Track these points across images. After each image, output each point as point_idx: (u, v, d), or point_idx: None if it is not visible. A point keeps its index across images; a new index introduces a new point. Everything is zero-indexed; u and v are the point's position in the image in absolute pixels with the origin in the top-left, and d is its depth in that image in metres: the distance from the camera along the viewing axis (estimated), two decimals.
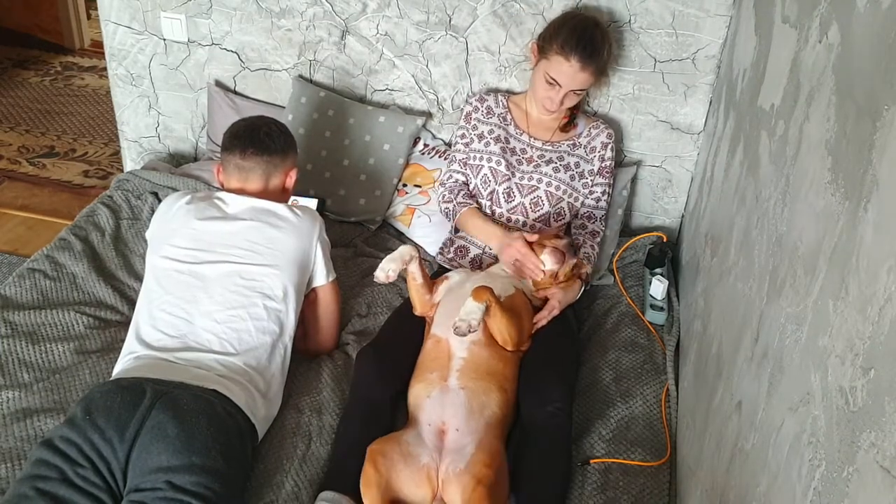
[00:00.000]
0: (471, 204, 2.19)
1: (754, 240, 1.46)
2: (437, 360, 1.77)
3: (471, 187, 2.25)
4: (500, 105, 2.28)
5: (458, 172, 2.26)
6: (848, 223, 0.97)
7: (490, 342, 1.79)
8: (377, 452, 1.58)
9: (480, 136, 2.24)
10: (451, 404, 1.67)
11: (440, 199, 2.27)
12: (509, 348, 1.79)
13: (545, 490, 1.62)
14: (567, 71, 2.04)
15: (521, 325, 1.83)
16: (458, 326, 1.66)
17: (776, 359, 1.19)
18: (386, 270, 1.81)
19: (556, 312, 1.92)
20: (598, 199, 2.22)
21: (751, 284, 1.43)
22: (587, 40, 2.03)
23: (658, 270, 2.30)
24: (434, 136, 2.57)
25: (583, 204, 2.22)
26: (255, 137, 1.85)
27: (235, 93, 2.64)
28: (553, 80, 2.07)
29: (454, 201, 2.21)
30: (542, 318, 1.91)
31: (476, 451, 1.58)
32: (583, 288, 2.08)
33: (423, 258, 2.34)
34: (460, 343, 1.77)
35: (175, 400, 1.49)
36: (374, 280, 1.83)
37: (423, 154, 2.52)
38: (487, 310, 1.71)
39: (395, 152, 2.45)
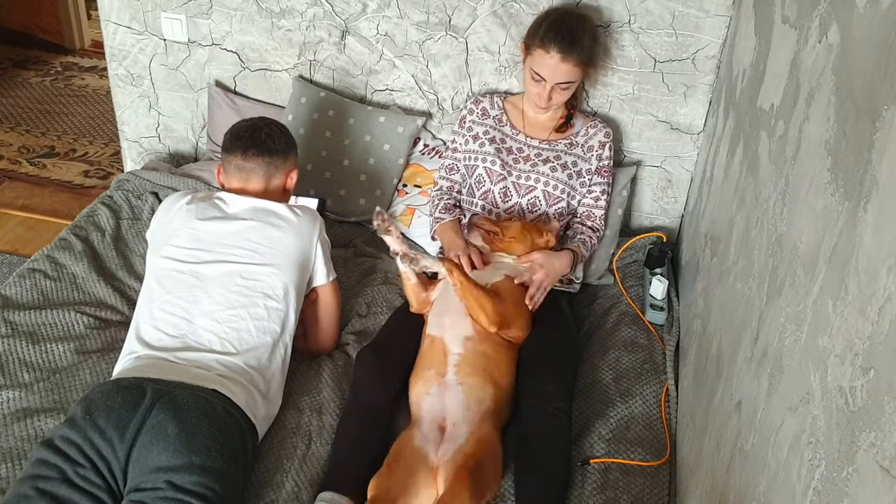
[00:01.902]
0: (444, 219, 2.22)
1: (754, 240, 1.46)
2: (434, 358, 1.79)
3: (464, 188, 2.26)
4: (496, 106, 2.28)
5: (444, 179, 2.29)
6: (847, 223, 0.97)
7: (484, 337, 1.81)
8: (395, 457, 1.61)
9: (475, 137, 2.24)
10: (451, 400, 1.70)
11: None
12: (493, 330, 1.80)
13: (546, 491, 1.62)
14: (549, 63, 2.04)
15: (503, 305, 1.84)
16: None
17: (776, 359, 1.19)
18: (383, 214, 1.85)
19: (546, 283, 1.93)
20: (596, 199, 2.22)
21: (750, 284, 1.43)
22: (565, 31, 2.03)
23: (658, 270, 2.30)
24: (434, 137, 2.57)
25: (581, 203, 2.22)
26: (256, 138, 1.85)
27: (236, 93, 2.64)
28: (538, 75, 2.08)
29: (433, 215, 2.26)
30: (534, 295, 1.91)
31: (467, 440, 1.62)
32: (578, 264, 2.11)
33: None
34: (454, 339, 1.80)
35: (175, 400, 1.49)
36: (374, 221, 1.86)
37: (423, 154, 2.52)
38: (451, 276, 1.79)
39: (396, 152, 2.45)
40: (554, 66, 2.04)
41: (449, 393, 1.71)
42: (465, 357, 1.77)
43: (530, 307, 1.92)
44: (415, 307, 1.96)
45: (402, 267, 1.91)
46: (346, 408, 1.77)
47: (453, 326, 1.82)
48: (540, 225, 2.09)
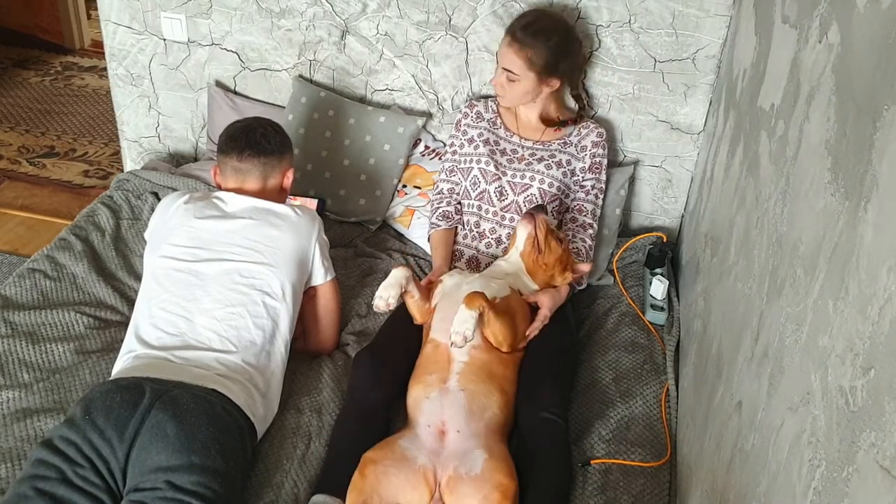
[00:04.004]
0: (439, 226, 2.22)
1: (754, 240, 1.46)
2: (437, 364, 1.76)
3: (460, 190, 2.26)
4: (490, 110, 2.29)
5: (445, 181, 2.29)
6: (848, 223, 0.97)
7: (490, 346, 1.78)
8: (368, 460, 1.58)
9: (470, 140, 2.26)
10: (451, 405, 1.67)
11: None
12: (504, 350, 1.79)
13: (546, 495, 1.61)
14: (501, 46, 2.10)
15: (516, 326, 1.82)
16: (455, 341, 1.65)
17: (776, 359, 1.19)
18: (385, 298, 1.77)
19: (546, 321, 1.90)
20: (587, 192, 2.21)
21: (751, 284, 1.43)
22: (524, 19, 2.08)
23: (658, 270, 2.30)
24: (434, 139, 2.57)
25: (574, 198, 2.22)
26: (251, 139, 1.85)
27: (235, 93, 2.64)
28: (496, 56, 2.13)
29: (431, 219, 2.25)
30: (534, 329, 1.89)
31: (490, 459, 1.57)
32: (576, 287, 2.09)
33: (423, 258, 2.35)
34: (460, 348, 1.75)
35: (174, 399, 1.49)
36: (375, 309, 1.80)
37: (423, 156, 2.52)
38: (481, 316, 1.71)
39: (396, 153, 2.45)
40: (504, 49, 2.09)
41: (449, 398, 1.68)
42: (469, 365, 1.74)
43: (530, 335, 1.89)
44: (419, 319, 1.93)
45: (405, 285, 1.84)
46: (343, 410, 1.77)
47: None
48: (573, 263, 2.02)
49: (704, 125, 2.37)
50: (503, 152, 2.23)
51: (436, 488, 1.56)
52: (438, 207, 2.26)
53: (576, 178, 2.22)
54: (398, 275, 1.82)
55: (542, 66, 2.08)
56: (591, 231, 2.19)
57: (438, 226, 2.22)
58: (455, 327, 1.66)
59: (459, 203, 2.27)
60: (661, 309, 2.17)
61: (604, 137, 2.23)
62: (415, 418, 1.70)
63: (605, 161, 2.24)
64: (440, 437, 1.64)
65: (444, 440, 1.63)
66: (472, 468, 1.55)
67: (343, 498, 1.56)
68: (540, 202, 2.17)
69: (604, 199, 2.28)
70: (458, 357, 1.75)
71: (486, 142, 2.23)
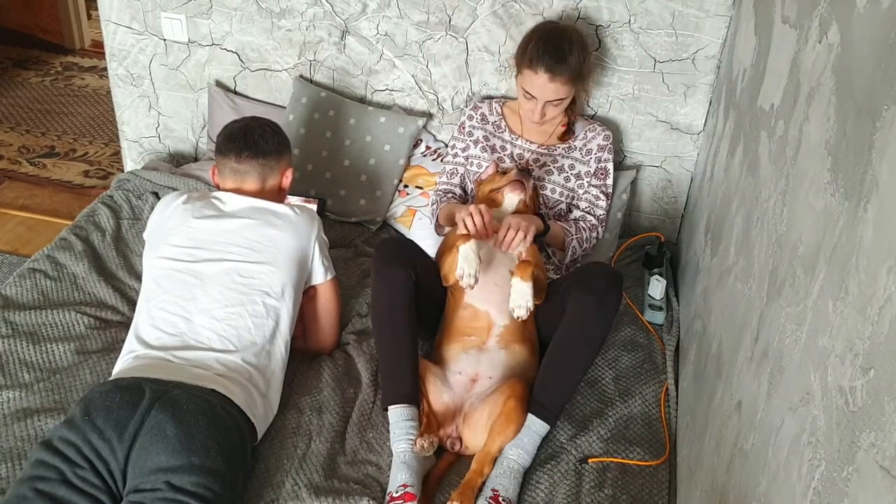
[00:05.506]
0: (449, 201, 2.21)
1: (754, 240, 1.46)
2: (476, 328, 1.84)
3: (460, 193, 2.25)
4: (495, 112, 2.28)
5: (445, 183, 2.27)
6: (848, 223, 0.97)
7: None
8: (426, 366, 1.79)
9: (476, 142, 2.25)
10: (490, 360, 1.79)
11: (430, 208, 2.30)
12: (538, 303, 1.84)
13: (566, 362, 1.74)
14: (537, 83, 2.04)
15: (546, 276, 1.93)
16: (520, 315, 1.73)
17: (776, 359, 1.19)
18: (472, 274, 1.74)
19: (520, 227, 1.85)
20: (596, 197, 2.20)
21: (750, 284, 1.43)
22: (552, 50, 2.02)
23: (656, 270, 2.30)
24: (435, 139, 2.57)
25: (578, 208, 2.21)
26: (249, 140, 1.85)
27: (236, 93, 2.64)
28: (528, 94, 2.08)
29: (437, 203, 2.23)
30: (508, 235, 1.85)
31: (502, 384, 1.75)
32: (558, 242, 2.09)
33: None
34: (501, 313, 1.83)
35: (174, 400, 1.49)
36: (465, 287, 1.76)
37: (424, 156, 2.52)
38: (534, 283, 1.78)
39: (396, 153, 2.45)
40: (542, 85, 2.04)
41: (488, 355, 1.80)
42: (508, 327, 1.83)
43: (505, 248, 1.87)
44: (451, 281, 1.88)
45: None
46: (375, 309, 1.80)
47: (503, 301, 1.83)
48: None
49: (704, 125, 2.37)
50: (509, 157, 2.23)
51: (454, 428, 1.74)
52: (442, 200, 2.23)
53: (580, 182, 2.20)
54: (471, 248, 1.77)
55: (578, 76, 2.09)
56: (595, 232, 2.18)
57: (447, 201, 2.21)
58: (517, 301, 1.74)
59: (464, 199, 2.26)
60: (660, 308, 2.17)
61: (610, 140, 2.22)
62: (447, 364, 1.82)
63: (610, 165, 2.22)
64: (470, 384, 1.79)
65: (474, 387, 1.78)
66: (487, 392, 1.74)
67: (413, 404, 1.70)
68: (543, 207, 2.16)
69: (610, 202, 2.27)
70: (499, 322, 1.84)
71: (493, 148, 2.23)
